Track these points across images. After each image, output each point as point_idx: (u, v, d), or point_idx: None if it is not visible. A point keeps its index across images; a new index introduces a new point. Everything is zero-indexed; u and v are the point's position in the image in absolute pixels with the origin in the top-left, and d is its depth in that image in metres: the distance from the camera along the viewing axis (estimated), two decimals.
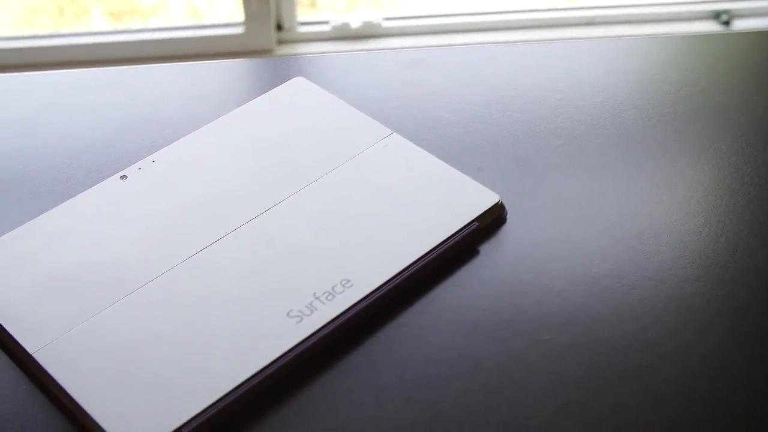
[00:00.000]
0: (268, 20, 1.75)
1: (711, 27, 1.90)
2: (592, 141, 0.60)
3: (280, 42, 1.81)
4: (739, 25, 1.92)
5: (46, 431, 0.45)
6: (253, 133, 0.58)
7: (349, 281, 0.49)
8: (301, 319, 0.48)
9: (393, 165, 0.56)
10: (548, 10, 1.87)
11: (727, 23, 1.92)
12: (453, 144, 0.59)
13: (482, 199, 0.54)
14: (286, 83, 0.62)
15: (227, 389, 0.45)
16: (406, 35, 1.84)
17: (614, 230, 0.54)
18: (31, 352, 0.46)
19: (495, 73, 0.66)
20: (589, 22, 1.86)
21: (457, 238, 0.52)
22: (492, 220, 0.54)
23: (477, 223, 0.53)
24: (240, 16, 1.78)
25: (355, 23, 1.81)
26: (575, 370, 0.47)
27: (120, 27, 1.78)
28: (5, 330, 0.48)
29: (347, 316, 0.48)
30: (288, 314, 0.48)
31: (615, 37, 1.77)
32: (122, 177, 0.55)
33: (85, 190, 0.55)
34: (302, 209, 0.53)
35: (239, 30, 1.77)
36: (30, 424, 0.45)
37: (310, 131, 0.58)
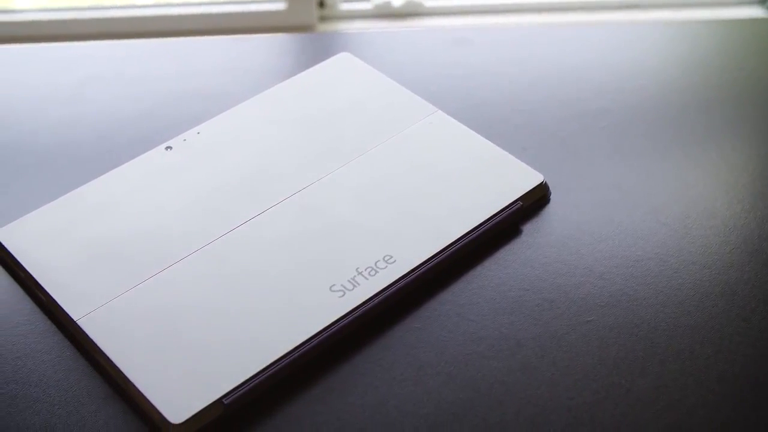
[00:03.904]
0: None
1: (757, 12, 1.88)
2: (636, 123, 0.59)
3: (322, 19, 1.81)
4: None
5: (89, 397, 0.45)
6: (298, 107, 0.58)
7: (391, 257, 0.50)
8: (344, 294, 0.48)
9: (437, 142, 0.56)
10: None
11: None
12: (497, 123, 0.59)
13: (526, 179, 0.54)
14: (331, 58, 0.62)
15: (268, 361, 0.45)
16: (448, 15, 1.83)
17: (658, 213, 0.54)
18: (75, 319, 0.47)
19: (539, 53, 0.65)
20: (633, 6, 1.84)
21: (500, 217, 0.52)
22: (535, 200, 0.54)
23: (520, 203, 0.53)
24: None
25: (397, 2, 1.81)
26: (616, 352, 0.47)
27: (162, 1, 1.79)
28: (51, 297, 0.48)
29: (389, 291, 0.48)
30: (330, 288, 0.48)
31: (660, 20, 1.76)
32: (167, 148, 0.56)
33: (130, 160, 0.55)
34: (346, 184, 0.53)
35: (281, 6, 1.76)
36: (73, 389, 0.45)
37: (355, 107, 0.58)
